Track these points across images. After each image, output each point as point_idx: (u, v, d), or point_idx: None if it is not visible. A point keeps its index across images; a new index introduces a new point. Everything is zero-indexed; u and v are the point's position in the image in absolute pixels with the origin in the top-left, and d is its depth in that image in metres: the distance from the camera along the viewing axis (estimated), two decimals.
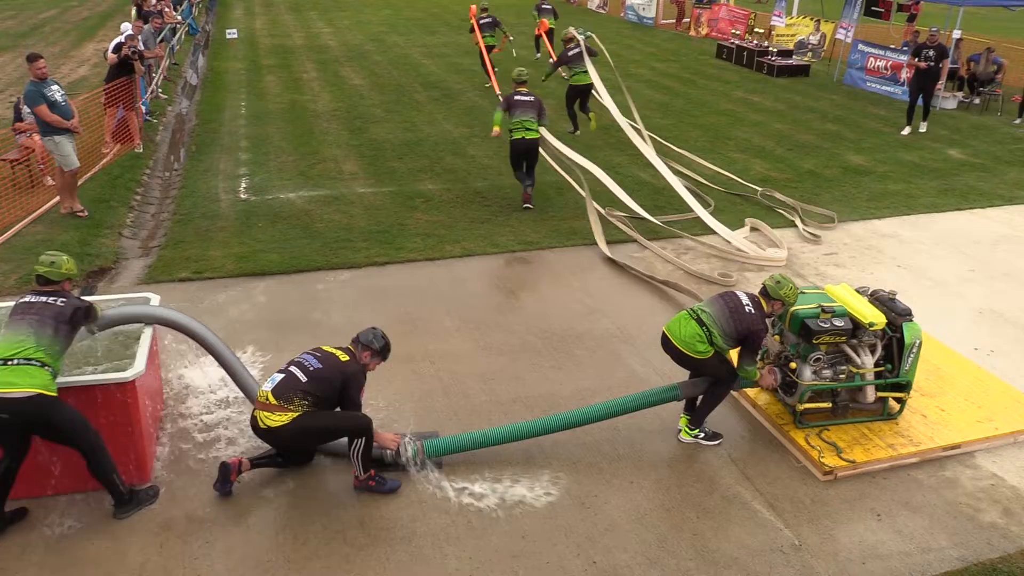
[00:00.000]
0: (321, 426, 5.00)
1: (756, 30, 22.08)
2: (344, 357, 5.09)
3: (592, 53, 13.12)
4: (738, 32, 22.74)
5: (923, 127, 14.38)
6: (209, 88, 16.81)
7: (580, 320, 7.52)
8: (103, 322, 5.27)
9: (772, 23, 21.52)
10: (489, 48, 16.07)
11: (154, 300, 5.93)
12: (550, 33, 17.40)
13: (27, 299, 4.91)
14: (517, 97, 10.02)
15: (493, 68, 15.00)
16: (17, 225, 9.16)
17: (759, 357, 5.68)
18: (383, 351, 5.24)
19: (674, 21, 27.06)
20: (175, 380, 6.31)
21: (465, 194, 10.64)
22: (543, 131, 9.95)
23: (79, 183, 10.03)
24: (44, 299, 4.87)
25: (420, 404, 6.10)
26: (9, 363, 4.60)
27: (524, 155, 10.02)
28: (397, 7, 31.04)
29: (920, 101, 14.18)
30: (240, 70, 18.56)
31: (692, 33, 25.55)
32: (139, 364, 5.16)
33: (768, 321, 5.67)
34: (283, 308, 7.60)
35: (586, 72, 12.78)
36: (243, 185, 10.88)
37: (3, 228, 9.02)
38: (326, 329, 7.19)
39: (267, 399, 4.98)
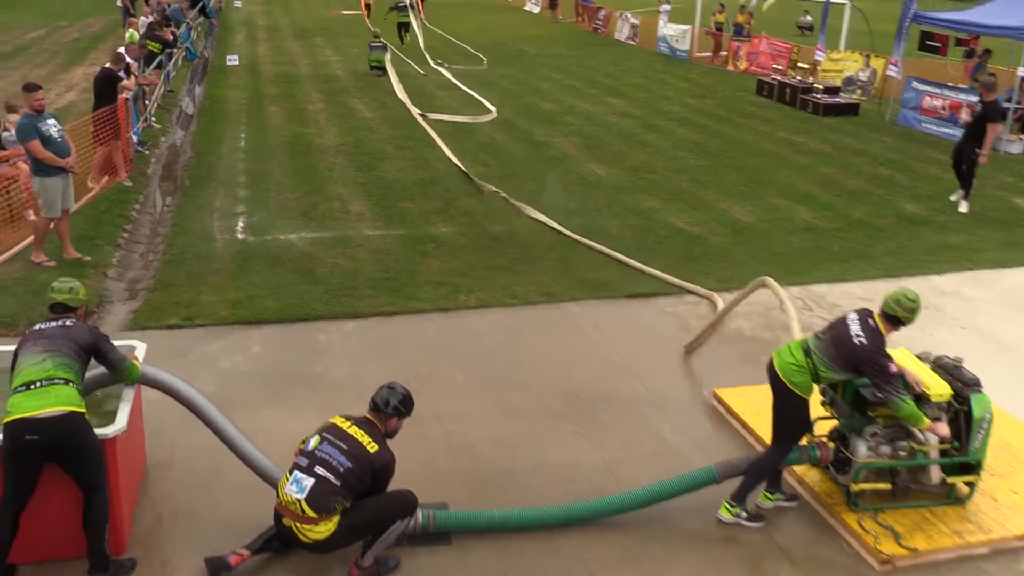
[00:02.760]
0: (369, 519, 4.93)
1: (800, 65, 22.29)
2: (372, 446, 4.95)
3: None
4: (780, 67, 22.97)
5: (962, 207, 12.48)
6: (206, 118, 17.09)
7: (606, 380, 7.47)
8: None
9: (816, 57, 21.72)
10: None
11: (139, 349, 5.93)
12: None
13: (39, 327, 5.15)
14: (373, 43, 22.01)
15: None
16: None
17: (901, 387, 5.39)
18: (410, 408, 5.19)
19: (710, 54, 27.39)
20: (160, 435, 6.28)
21: (481, 239, 10.68)
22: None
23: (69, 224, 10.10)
24: (56, 323, 5.13)
25: (427, 470, 6.03)
26: (32, 387, 4.80)
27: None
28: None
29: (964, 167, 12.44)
30: (240, 99, 18.88)
31: (730, 68, 25.82)
32: (120, 420, 5.15)
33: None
34: (280, 360, 7.59)
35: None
36: (240, 224, 10.98)
37: None
38: (326, 384, 7.17)
39: (302, 511, 4.83)
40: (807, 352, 5.50)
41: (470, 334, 8.22)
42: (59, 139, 9.13)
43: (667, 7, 31.41)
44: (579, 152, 15.17)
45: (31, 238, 9.93)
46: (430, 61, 24.45)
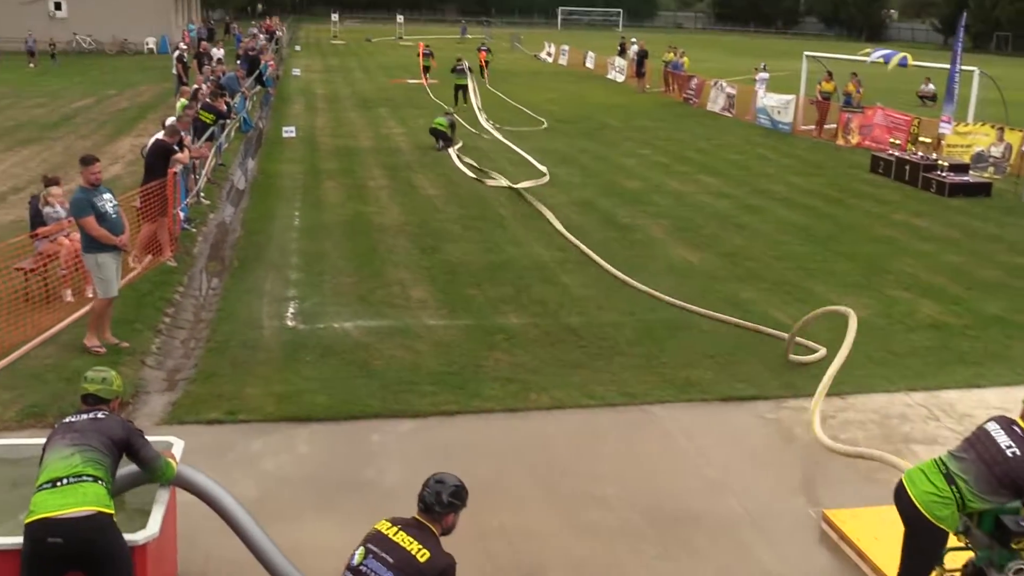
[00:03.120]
0: None
1: (921, 139, 22.14)
2: (423, 554, 4.82)
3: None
4: (898, 141, 22.87)
5: None
6: (259, 194, 17.73)
7: (697, 496, 7.32)
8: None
9: (940, 131, 21.56)
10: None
11: (176, 446, 6.05)
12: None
13: (69, 419, 5.32)
14: (441, 117, 23.04)
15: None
16: (25, 346, 9.61)
17: None
18: (464, 499, 5.08)
19: (814, 127, 27.42)
20: (193, 545, 6.33)
21: (556, 331, 10.72)
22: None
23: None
24: (87, 416, 5.29)
25: None
26: (58, 484, 4.90)
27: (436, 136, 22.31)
28: (483, 104, 32.55)
29: None
30: (296, 174, 19.56)
31: (839, 142, 25.80)
32: (152, 525, 5.23)
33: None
34: (329, 463, 7.65)
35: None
36: (291, 310, 11.25)
37: (8, 349, 9.47)
38: (379, 491, 7.19)
39: None
40: (949, 478, 5.29)
41: (541, 438, 8.18)
42: (114, 215, 9.53)
43: (764, 75, 31.74)
44: (668, 235, 15.22)
45: (70, 319, 10.34)
46: (482, 121, 26.98)
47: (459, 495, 5.03)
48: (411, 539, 4.87)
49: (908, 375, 9.75)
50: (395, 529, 4.93)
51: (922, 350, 10.54)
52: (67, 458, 5.01)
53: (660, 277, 12.96)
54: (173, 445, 6.05)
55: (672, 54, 38.43)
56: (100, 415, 5.31)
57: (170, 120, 15.13)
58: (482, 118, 27.53)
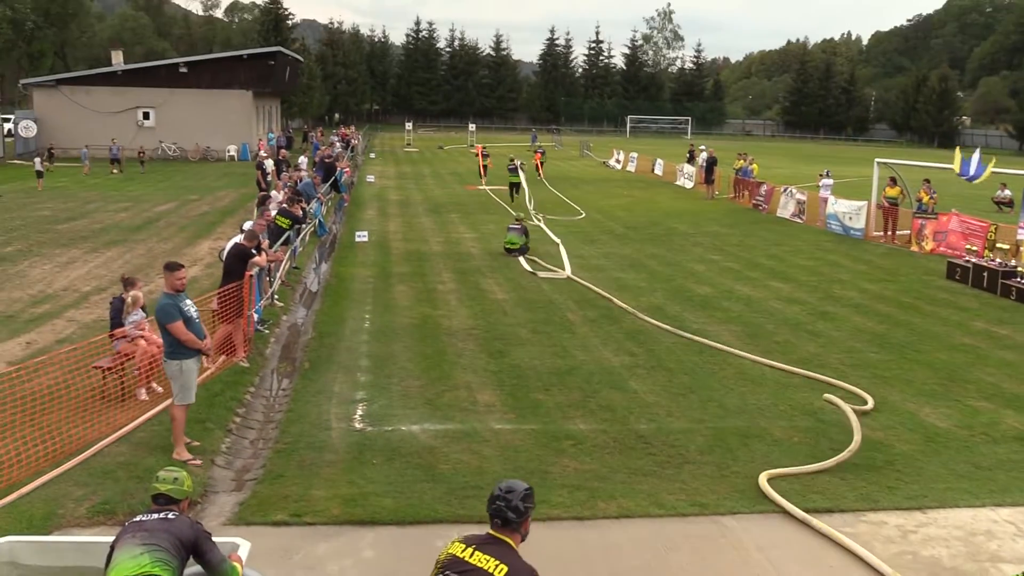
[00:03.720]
0: None
1: (999, 245, 21.73)
2: (501, 569, 4.66)
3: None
4: (975, 248, 22.46)
5: None
6: (331, 297, 18.06)
7: None
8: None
9: (1019, 237, 21.14)
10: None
11: (243, 548, 6.06)
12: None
13: (139, 518, 5.41)
14: (510, 227, 23.39)
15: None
16: (99, 443, 9.78)
17: None
18: (534, 500, 5.07)
19: (885, 232, 27.10)
20: None
21: (624, 438, 10.58)
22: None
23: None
24: (158, 516, 5.37)
25: None
26: None
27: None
28: (547, 209, 32.92)
29: None
30: (367, 277, 19.92)
31: (914, 248, 25.44)
32: None
33: None
34: (395, 569, 7.57)
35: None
36: (359, 412, 11.31)
37: (84, 446, 9.65)
38: None
39: None
40: None
41: (609, 548, 8.00)
42: (197, 320, 9.76)
43: (828, 181, 31.62)
44: (739, 342, 15.06)
45: (144, 417, 10.53)
46: (533, 216, 29.57)
47: (531, 496, 5.01)
48: (488, 557, 4.73)
49: (994, 489, 9.37)
50: (470, 550, 4.81)
51: (1008, 463, 10.14)
52: (136, 557, 5.07)
53: (731, 384, 12.78)
54: (240, 547, 6.07)
55: (742, 161, 38.66)
56: (171, 515, 5.38)
57: (248, 224, 15.63)
58: (533, 213, 30.81)
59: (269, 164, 31.58)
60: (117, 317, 11.77)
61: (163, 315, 9.46)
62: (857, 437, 10.49)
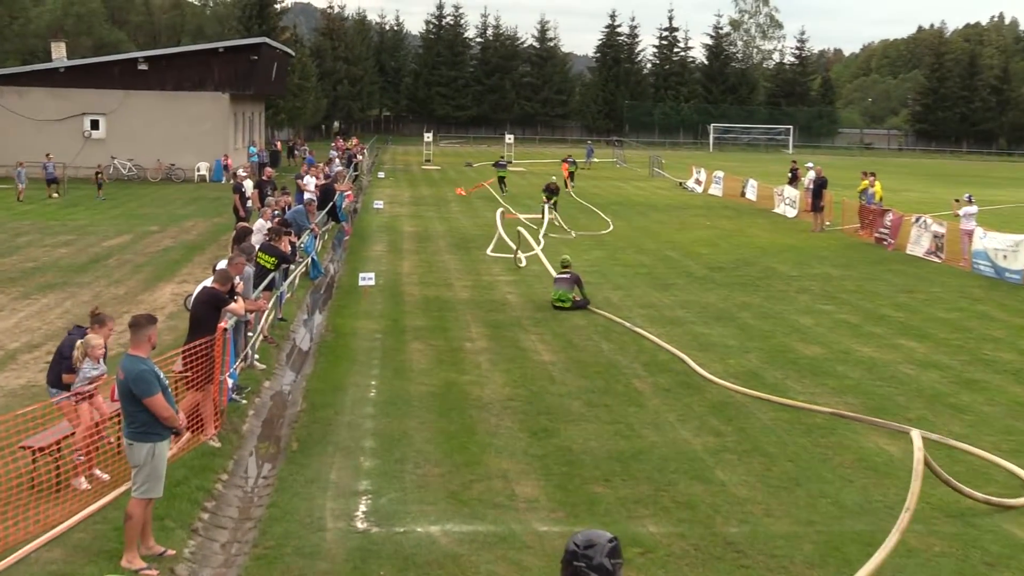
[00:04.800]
0: None
1: None
2: None
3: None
4: None
5: None
6: (326, 357, 18.11)
7: None
8: None
9: None
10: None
11: None
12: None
13: None
14: (556, 276, 23.26)
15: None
16: (26, 547, 9.72)
17: None
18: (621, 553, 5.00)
19: None
20: None
21: (709, 545, 10.47)
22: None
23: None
24: None
25: None
26: None
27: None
28: (607, 245, 32.92)
29: None
30: (374, 332, 19.98)
31: None
32: None
33: None
34: None
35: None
36: (362, 508, 11.29)
37: (4, 551, 9.62)
38: None
39: None
40: None
41: None
42: (170, 389, 9.81)
43: (971, 209, 31.26)
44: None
45: (83, 514, 10.52)
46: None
47: (619, 550, 4.94)
48: None
49: None
50: None
51: None
52: None
53: (849, 473, 12.60)
54: None
55: (866, 181, 38.39)
56: None
57: (221, 264, 15.74)
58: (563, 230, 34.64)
59: (249, 185, 31.90)
60: (68, 358, 11.77)
61: (142, 385, 9.43)
62: None
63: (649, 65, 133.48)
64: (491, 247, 31.15)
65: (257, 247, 18.69)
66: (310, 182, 33.38)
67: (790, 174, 48.81)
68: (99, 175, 46.05)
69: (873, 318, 22.35)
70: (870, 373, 17.61)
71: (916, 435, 10.41)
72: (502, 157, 59.74)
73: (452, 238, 34.25)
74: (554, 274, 23.86)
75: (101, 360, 11.73)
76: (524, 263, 27.96)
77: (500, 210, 35.63)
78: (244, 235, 19.58)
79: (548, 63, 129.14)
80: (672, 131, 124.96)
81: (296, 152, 72.16)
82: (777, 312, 22.73)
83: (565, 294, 22.71)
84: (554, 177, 42.35)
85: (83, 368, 11.59)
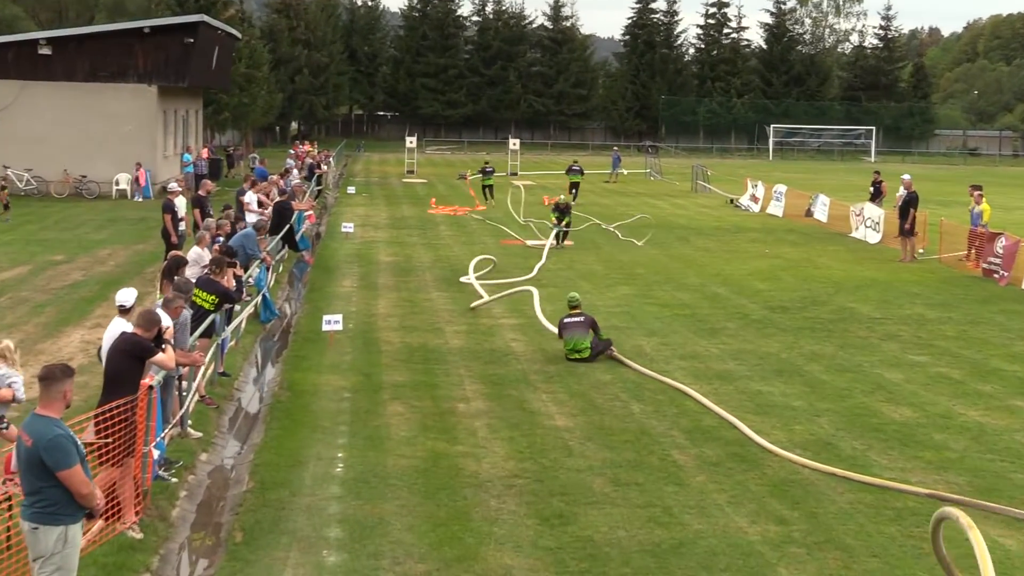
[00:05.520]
0: None
1: None
2: None
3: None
4: None
5: None
6: (281, 422, 18.09)
7: None
8: None
9: None
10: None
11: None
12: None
13: None
14: (567, 320, 22.80)
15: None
16: None
17: None
18: None
19: None
20: None
21: None
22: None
23: None
24: None
25: None
26: None
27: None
28: (637, 279, 32.91)
29: None
30: (341, 390, 19.97)
31: None
32: None
33: None
34: None
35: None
36: None
37: None
38: None
39: None
40: None
41: None
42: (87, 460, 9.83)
43: None
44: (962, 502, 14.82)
45: None
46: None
47: None
48: None
49: None
50: None
51: None
52: None
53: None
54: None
55: (973, 198, 38.11)
56: None
57: (158, 306, 15.74)
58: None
59: (182, 204, 31.91)
60: None
61: (57, 454, 9.38)
62: None
63: (692, 51, 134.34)
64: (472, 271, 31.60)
65: (194, 282, 18.70)
66: (252, 199, 33.35)
67: (872, 188, 48.88)
68: (4, 189, 45.86)
69: (981, 372, 22.29)
70: (978, 443, 17.54)
71: None
72: (487, 163, 63.06)
73: (441, 270, 34.26)
74: (547, 325, 23.97)
75: (15, 372, 11.72)
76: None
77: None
78: (177, 267, 19.54)
79: (563, 48, 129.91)
80: (721, 134, 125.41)
81: (237, 161, 72.18)
82: (856, 364, 22.69)
83: (581, 341, 22.65)
84: (562, 196, 42.59)
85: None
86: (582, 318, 22.80)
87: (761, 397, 19.85)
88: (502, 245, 40.24)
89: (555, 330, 23.15)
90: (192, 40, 57.05)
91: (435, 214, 51.14)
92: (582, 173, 61.96)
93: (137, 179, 54.11)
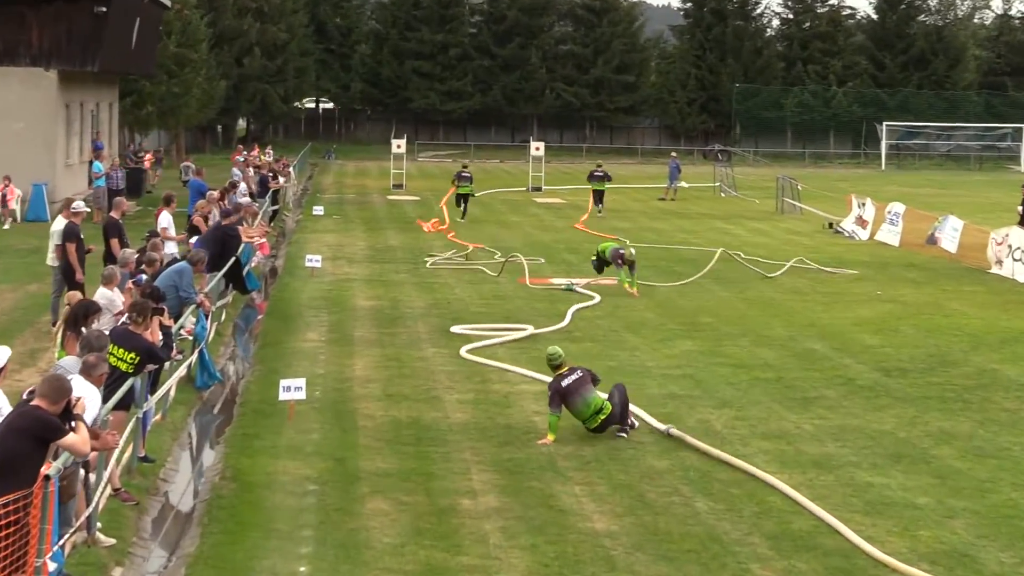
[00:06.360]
0: None
1: None
2: None
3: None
4: None
5: None
6: (222, 525, 18.11)
7: None
8: None
9: None
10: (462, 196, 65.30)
11: None
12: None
13: None
14: (566, 383, 22.53)
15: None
16: None
17: None
18: None
19: None
20: None
21: None
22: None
23: None
24: None
25: None
26: None
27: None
28: (703, 330, 32.91)
29: None
30: (304, 480, 20.02)
31: None
32: None
33: None
34: None
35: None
36: None
37: None
38: None
39: None
40: None
41: None
42: None
43: None
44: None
45: None
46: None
47: None
48: None
49: None
50: None
51: None
52: None
53: None
54: None
55: None
56: None
57: (68, 368, 15.75)
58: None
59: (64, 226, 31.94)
60: None
61: None
62: None
63: (776, 22, 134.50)
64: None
65: (108, 335, 18.69)
66: (168, 223, 33.47)
67: (1021, 208, 48.81)
68: None
69: None
70: None
71: None
72: (464, 167, 67.84)
73: (440, 317, 34.35)
74: (573, 375, 23.52)
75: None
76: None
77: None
78: (86, 315, 19.49)
79: (603, 20, 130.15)
80: (815, 134, 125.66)
81: (149, 169, 72.17)
82: (1002, 448, 22.64)
83: (597, 399, 22.78)
84: (627, 249, 41.31)
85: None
86: (579, 373, 22.81)
87: (872, 491, 19.81)
88: (532, 286, 40.27)
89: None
90: (104, 9, 56.76)
91: (431, 231, 51.18)
92: (608, 179, 65.71)
93: (4, 197, 53.63)
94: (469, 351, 29.74)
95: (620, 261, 39.24)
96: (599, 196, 65.94)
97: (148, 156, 76.07)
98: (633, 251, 39.90)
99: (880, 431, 23.47)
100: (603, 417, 22.43)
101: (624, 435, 22.48)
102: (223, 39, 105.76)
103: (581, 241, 43.96)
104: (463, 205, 62.94)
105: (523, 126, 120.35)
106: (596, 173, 67.25)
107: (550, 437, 22.08)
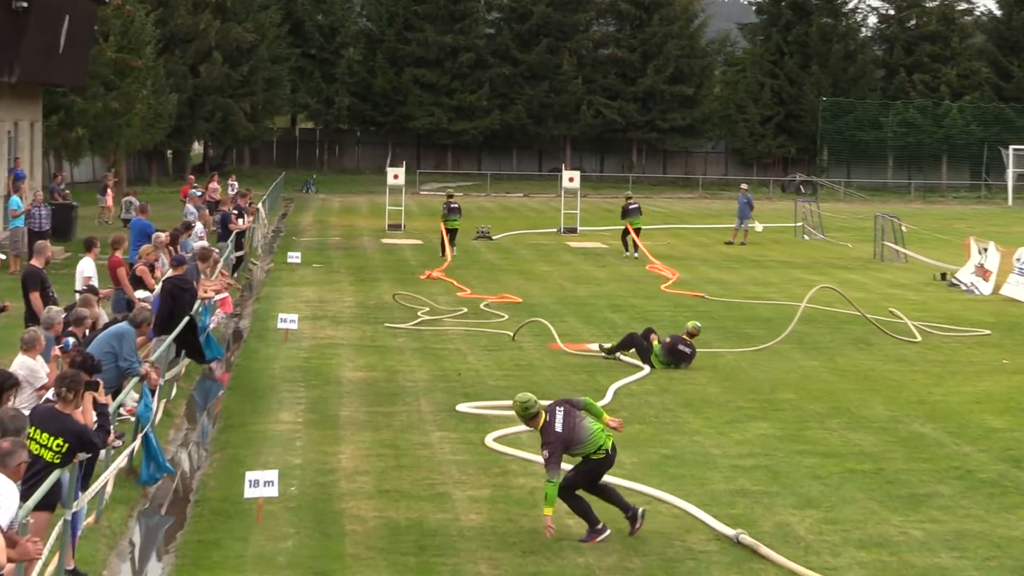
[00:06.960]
0: None
1: None
2: None
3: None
4: None
5: None
6: None
7: None
8: None
9: None
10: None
11: None
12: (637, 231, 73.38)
13: None
14: (560, 428, 22.62)
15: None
16: None
17: None
18: None
19: None
20: None
21: None
22: None
23: None
24: None
25: None
26: None
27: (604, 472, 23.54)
28: (779, 409, 32.91)
29: None
30: None
31: None
32: None
33: None
34: None
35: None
36: None
37: None
38: None
39: None
40: None
41: None
42: None
43: None
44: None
45: None
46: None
47: None
48: None
49: None
50: None
51: None
52: None
53: None
54: None
55: None
56: None
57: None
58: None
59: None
60: None
61: None
62: None
63: (873, 20, 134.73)
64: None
65: (27, 415, 18.69)
66: (90, 269, 33.56)
67: None
68: None
69: None
70: None
71: None
72: (450, 196, 74.08)
73: (448, 392, 34.42)
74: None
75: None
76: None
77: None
78: (0, 389, 19.53)
79: (654, 18, 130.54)
80: (923, 161, 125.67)
81: (110, 194, 72.51)
82: None
83: (593, 426, 22.96)
84: (690, 323, 40.93)
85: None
86: (562, 407, 22.85)
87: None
88: (571, 351, 40.37)
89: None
90: (25, 4, 56.99)
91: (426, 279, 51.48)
92: (640, 212, 69.04)
93: None
94: (496, 439, 29.53)
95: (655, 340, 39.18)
96: (635, 232, 68.04)
97: (109, 176, 76.56)
98: (698, 324, 39.54)
99: (1008, 537, 23.41)
100: (609, 441, 22.86)
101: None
102: (175, 41, 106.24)
103: (628, 296, 43.88)
104: (451, 238, 68.30)
105: (553, 151, 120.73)
106: (630, 207, 70.24)
107: (547, 512, 21.86)
